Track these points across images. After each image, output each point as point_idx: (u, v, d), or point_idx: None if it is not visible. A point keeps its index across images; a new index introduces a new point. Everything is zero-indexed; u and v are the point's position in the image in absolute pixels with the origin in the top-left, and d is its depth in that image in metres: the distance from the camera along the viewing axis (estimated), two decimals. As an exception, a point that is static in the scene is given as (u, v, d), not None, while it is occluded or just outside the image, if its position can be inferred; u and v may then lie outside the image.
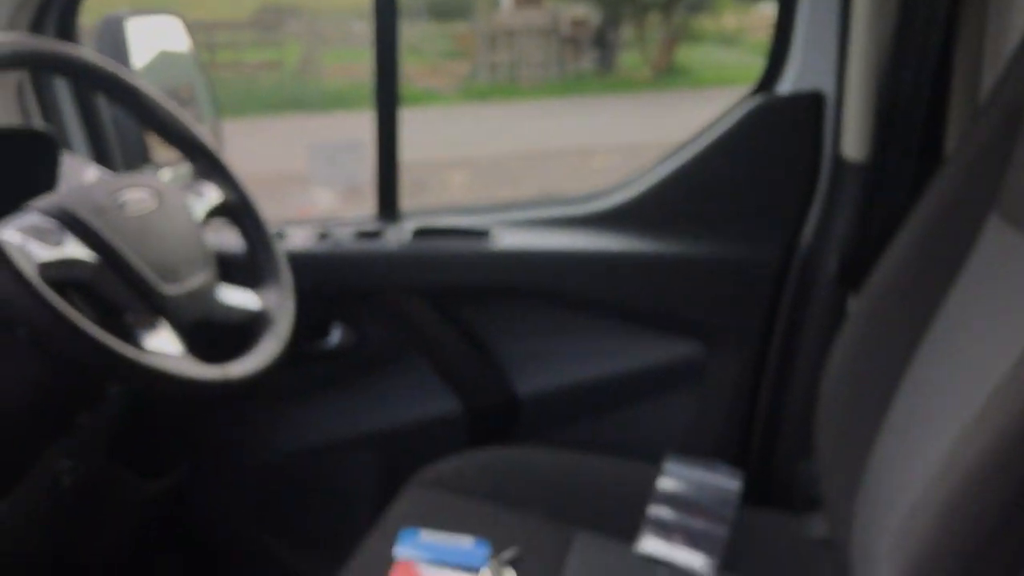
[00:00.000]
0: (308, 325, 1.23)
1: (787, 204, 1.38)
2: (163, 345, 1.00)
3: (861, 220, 1.29)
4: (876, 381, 1.06)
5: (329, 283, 1.45)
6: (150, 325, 1.01)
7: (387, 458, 1.52)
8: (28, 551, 1.25)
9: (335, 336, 1.52)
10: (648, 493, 1.28)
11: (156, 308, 1.02)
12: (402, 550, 1.15)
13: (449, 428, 1.50)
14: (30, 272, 0.87)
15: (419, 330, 1.49)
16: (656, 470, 1.31)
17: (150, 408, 1.40)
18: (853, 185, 1.30)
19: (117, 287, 1.00)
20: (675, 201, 1.43)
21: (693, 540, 1.22)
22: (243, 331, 1.16)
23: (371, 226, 1.50)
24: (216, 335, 1.12)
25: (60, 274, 0.94)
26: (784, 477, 1.39)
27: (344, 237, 1.48)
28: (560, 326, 1.49)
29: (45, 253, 0.94)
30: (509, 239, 1.47)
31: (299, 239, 1.47)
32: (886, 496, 0.97)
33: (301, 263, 1.28)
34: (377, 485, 1.53)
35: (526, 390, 1.49)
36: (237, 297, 1.16)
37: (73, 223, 0.97)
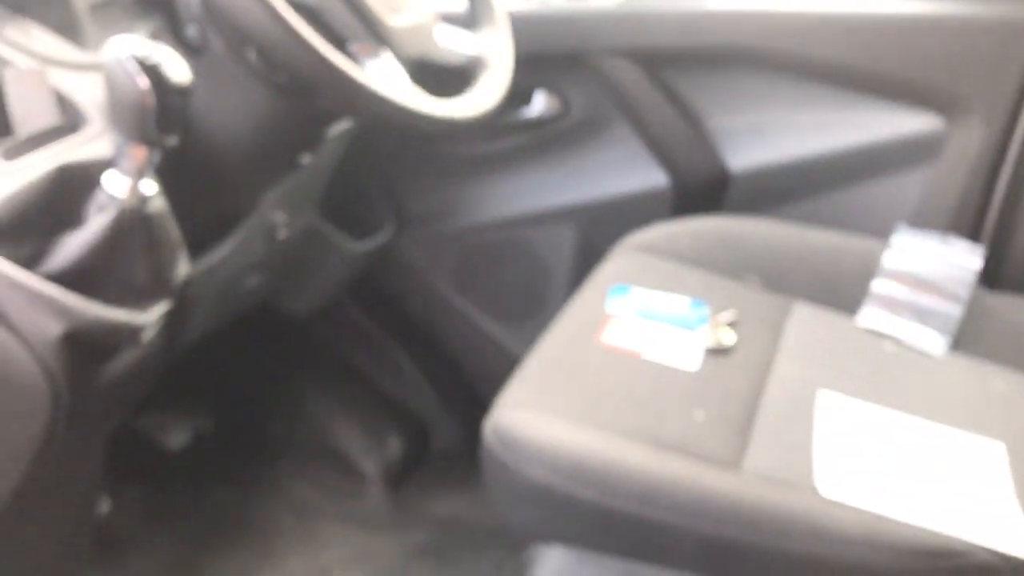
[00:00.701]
0: (511, 92, 1.18)
1: None
2: (389, 75, 0.97)
3: None
4: None
5: (533, 47, 1.38)
6: (374, 55, 0.98)
7: (587, 231, 1.49)
8: (239, 298, 1.30)
9: (538, 104, 1.47)
10: (873, 268, 1.20)
11: (380, 38, 0.99)
12: (614, 305, 1.12)
13: (654, 202, 1.44)
14: None
15: (626, 97, 1.42)
16: (883, 245, 1.23)
17: (362, 163, 1.40)
18: None
19: (342, 13, 0.97)
20: None
21: (922, 317, 1.15)
22: (461, 75, 1.13)
23: None
24: (435, 76, 1.08)
25: None
26: (1025, 259, 1.28)
27: None
28: (780, 95, 1.38)
29: None
30: None
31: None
32: None
33: None
34: (576, 258, 1.50)
35: (739, 164, 1.41)
36: (457, 38, 1.12)
37: None
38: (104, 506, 1.20)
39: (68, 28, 0.99)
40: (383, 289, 1.61)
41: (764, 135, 1.40)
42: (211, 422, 1.54)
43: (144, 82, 0.72)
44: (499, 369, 1.51)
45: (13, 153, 0.82)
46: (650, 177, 1.44)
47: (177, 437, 1.47)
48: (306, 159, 1.13)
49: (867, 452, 0.93)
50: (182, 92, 0.74)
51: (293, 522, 1.47)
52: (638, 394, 0.98)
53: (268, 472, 1.54)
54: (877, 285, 1.18)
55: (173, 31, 1.00)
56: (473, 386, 1.62)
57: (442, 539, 1.48)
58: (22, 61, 0.90)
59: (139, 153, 0.75)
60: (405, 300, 1.62)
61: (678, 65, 1.40)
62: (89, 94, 0.91)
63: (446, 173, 1.54)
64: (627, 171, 1.46)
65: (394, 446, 1.60)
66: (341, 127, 1.21)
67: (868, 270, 1.20)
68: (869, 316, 1.16)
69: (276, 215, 1.24)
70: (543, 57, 1.41)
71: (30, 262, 0.79)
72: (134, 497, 1.40)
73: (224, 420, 1.56)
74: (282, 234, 1.26)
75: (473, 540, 1.47)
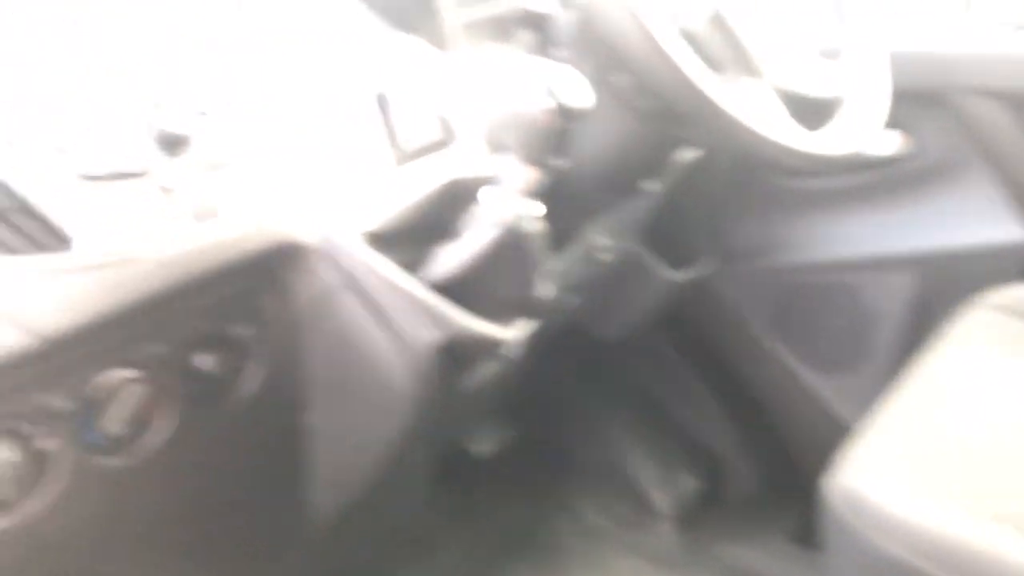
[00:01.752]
0: None
1: None
2: (761, 107, 0.94)
3: None
4: None
5: (893, 84, 1.30)
6: (747, 86, 0.95)
7: (927, 283, 1.37)
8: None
9: (888, 141, 1.38)
10: None
11: (753, 70, 0.96)
12: (968, 371, 1.02)
13: (1011, 258, 1.30)
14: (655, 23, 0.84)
15: (990, 141, 1.30)
16: None
17: (691, 192, 1.38)
18: None
19: (718, 43, 0.95)
20: None
21: None
22: (817, 109, 1.08)
23: None
24: (794, 109, 1.04)
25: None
26: None
27: None
28: None
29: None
30: None
31: None
32: None
33: None
34: (911, 311, 1.39)
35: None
36: (829, 73, 1.07)
37: None
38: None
39: (438, 43, 1.03)
40: (693, 322, 1.57)
41: None
42: (515, 434, 1.56)
43: (551, 105, 0.73)
44: (810, 420, 1.43)
45: (402, 161, 0.86)
46: (1009, 230, 1.31)
47: (484, 445, 1.51)
48: (649, 185, 1.11)
49: None
50: (582, 117, 0.75)
51: (582, 545, 1.47)
52: (1008, 474, 0.88)
53: (562, 491, 1.55)
54: None
55: (541, 51, 1.02)
56: (777, 432, 1.55)
57: (733, 588, 1.42)
58: (406, 76, 0.95)
59: (532, 174, 0.76)
60: (715, 336, 1.57)
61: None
62: (458, 109, 0.94)
63: (774, 207, 1.48)
64: (982, 221, 1.34)
65: (688, 483, 1.55)
66: (685, 155, 1.19)
67: None
68: None
69: (602, 238, 1.24)
70: (901, 94, 1.32)
71: (406, 269, 0.82)
72: (440, 497, 1.45)
73: (527, 434, 1.58)
74: (605, 257, 1.26)
75: (766, 594, 1.40)
